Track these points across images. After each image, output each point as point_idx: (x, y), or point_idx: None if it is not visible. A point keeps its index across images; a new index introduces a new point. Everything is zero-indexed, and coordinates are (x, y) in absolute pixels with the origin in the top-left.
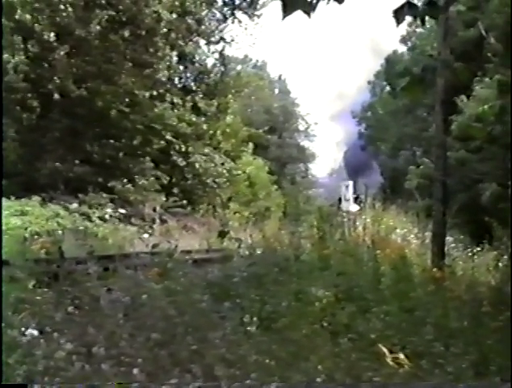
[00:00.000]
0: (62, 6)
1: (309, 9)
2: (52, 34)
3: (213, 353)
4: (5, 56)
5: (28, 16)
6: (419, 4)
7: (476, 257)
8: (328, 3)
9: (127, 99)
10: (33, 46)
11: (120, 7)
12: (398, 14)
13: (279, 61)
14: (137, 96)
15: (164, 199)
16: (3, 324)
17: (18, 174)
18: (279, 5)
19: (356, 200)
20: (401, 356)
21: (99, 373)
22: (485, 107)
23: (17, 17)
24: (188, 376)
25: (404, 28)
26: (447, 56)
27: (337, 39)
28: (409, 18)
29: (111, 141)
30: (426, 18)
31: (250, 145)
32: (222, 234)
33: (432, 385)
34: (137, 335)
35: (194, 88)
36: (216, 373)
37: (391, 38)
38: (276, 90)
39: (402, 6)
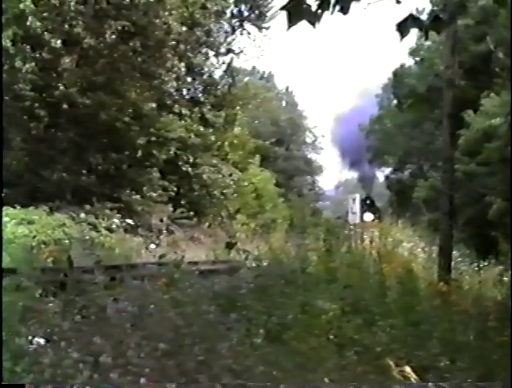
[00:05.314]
0: (72, 15)
1: (314, 19)
2: (59, 42)
3: (220, 364)
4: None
5: (38, 23)
6: (423, 17)
7: (482, 271)
8: (332, 14)
9: (130, 110)
10: (41, 54)
11: (133, 18)
12: (402, 28)
13: (286, 72)
14: (145, 107)
15: (171, 210)
16: (10, 333)
17: (24, 183)
18: (285, 17)
19: (371, 208)
20: (408, 369)
21: (107, 382)
22: (493, 121)
23: (28, 24)
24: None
25: (413, 41)
26: (454, 72)
27: (345, 51)
28: (417, 31)
29: (119, 151)
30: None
31: (257, 157)
32: (229, 246)
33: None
34: (144, 344)
35: (202, 99)
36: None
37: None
38: (283, 103)
39: (405, 20)
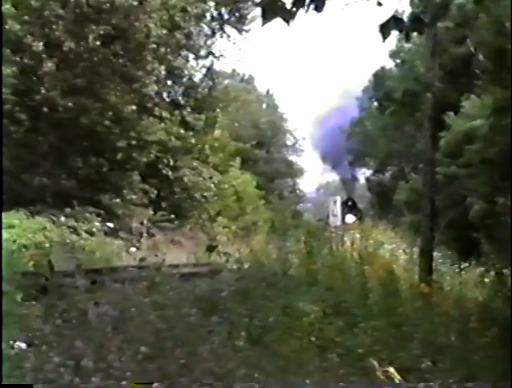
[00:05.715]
0: (53, 19)
1: (288, 17)
2: (41, 45)
3: (202, 367)
4: None
5: (18, 26)
6: (405, 18)
7: (463, 273)
8: (307, 12)
9: (111, 113)
10: (22, 58)
11: (114, 21)
12: (384, 29)
13: (266, 75)
14: (125, 111)
15: (152, 213)
16: None
17: (5, 188)
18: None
19: (353, 210)
20: (391, 369)
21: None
22: (473, 123)
23: (7, 27)
24: None
25: (393, 43)
26: (435, 74)
27: (326, 53)
28: (397, 33)
29: (99, 155)
30: (415, 34)
31: (238, 159)
32: (210, 249)
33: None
34: (126, 348)
35: (182, 102)
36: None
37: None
38: (264, 105)
39: (388, 21)
